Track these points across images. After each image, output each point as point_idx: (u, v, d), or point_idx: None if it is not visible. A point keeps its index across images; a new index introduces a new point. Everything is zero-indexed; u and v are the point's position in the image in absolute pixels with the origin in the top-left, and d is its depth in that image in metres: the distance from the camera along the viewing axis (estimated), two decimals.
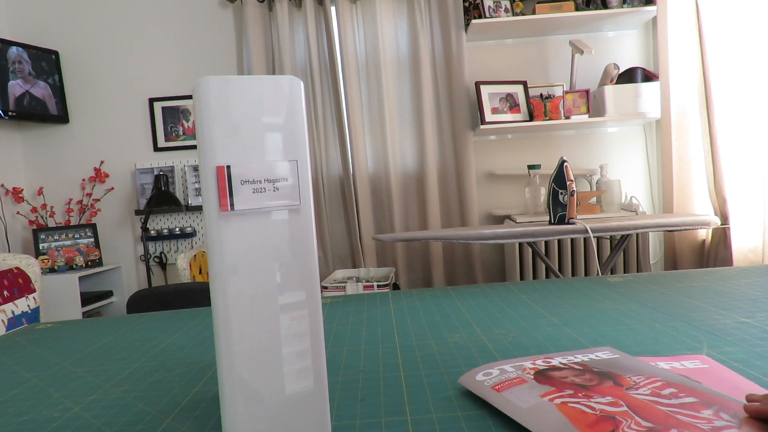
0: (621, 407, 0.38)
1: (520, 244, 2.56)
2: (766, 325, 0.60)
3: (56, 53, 2.75)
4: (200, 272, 2.24)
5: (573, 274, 2.57)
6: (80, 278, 2.50)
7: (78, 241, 2.71)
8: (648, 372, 0.44)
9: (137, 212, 2.77)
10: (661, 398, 0.39)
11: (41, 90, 2.67)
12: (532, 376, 0.45)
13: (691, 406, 0.38)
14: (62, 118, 2.76)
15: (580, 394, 0.41)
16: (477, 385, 0.46)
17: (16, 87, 2.55)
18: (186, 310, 0.90)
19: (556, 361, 0.49)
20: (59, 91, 2.76)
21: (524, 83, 2.62)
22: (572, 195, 1.76)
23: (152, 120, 2.80)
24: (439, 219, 2.71)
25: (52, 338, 0.76)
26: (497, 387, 0.44)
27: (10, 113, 2.52)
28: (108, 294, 2.75)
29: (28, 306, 1.90)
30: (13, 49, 2.54)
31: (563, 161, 1.76)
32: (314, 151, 2.70)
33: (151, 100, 2.80)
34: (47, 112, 2.70)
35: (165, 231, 2.80)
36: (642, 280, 0.89)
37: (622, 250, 1.97)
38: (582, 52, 2.40)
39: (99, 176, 2.79)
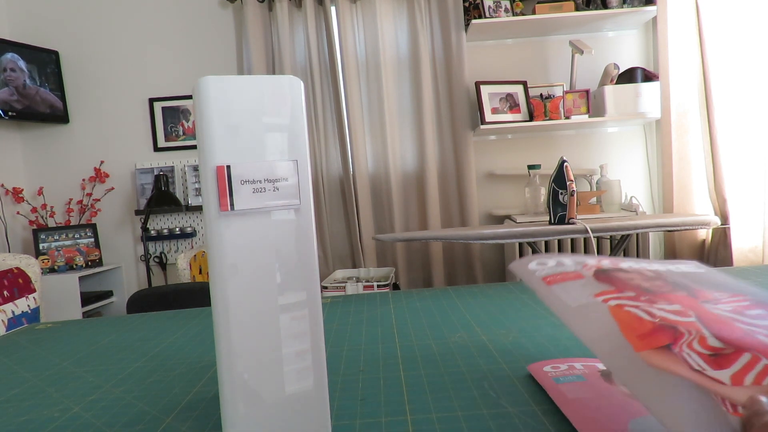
0: (689, 317, 0.31)
1: (520, 244, 2.56)
2: None
3: (56, 53, 2.75)
4: (200, 272, 2.24)
5: None
6: (80, 278, 2.50)
7: (78, 241, 2.71)
8: (736, 289, 0.36)
9: (137, 212, 2.77)
10: (744, 316, 0.32)
11: (39, 101, 2.66)
12: (592, 273, 0.38)
13: None
14: (62, 118, 2.76)
15: (642, 298, 0.33)
16: (527, 274, 0.40)
17: (8, 98, 2.54)
18: (186, 310, 0.89)
19: (626, 265, 0.40)
20: (59, 91, 2.76)
21: (524, 83, 2.62)
22: (572, 195, 1.76)
23: (152, 120, 2.80)
24: (439, 219, 2.71)
25: (52, 338, 0.76)
26: (548, 279, 0.38)
27: (10, 113, 2.52)
28: (108, 294, 2.75)
29: (28, 306, 1.90)
30: (8, 55, 2.52)
31: (563, 161, 1.76)
32: (314, 151, 2.70)
33: (151, 100, 2.80)
34: (47, 112, 2.70)
35: (165, 231, 2.80)
36: None
37: (622, 250, 1.97)
38: (582, 52, 2.40)
39: (99, 176, 2.79)
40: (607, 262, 0.40)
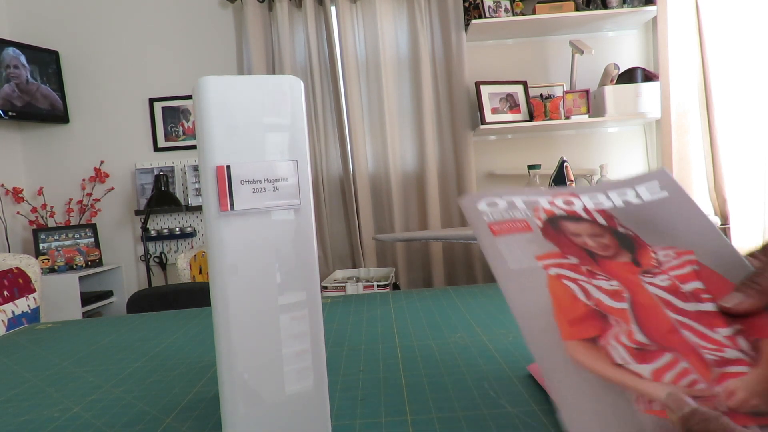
0: (622, 302, 0.32)
1: None
2: None
3: (56, 53, 2.75)
4: (200, 272, 2.24)
5: None
6: (80, 278, 2.50)
7: (78, 241, 2.71)
8: (687, 241, 0.35)
9: (137, 212, 2.77)
10: (677, 297, 0.32)
11: (40, 97, 2.66)
12: (541, 224, 0.37)
13: (709, 318, 0.31)
14: (62, 118, 2.76)
15: (583, 268, 0.34)
16: (475, 216, 0.37)
17: (10, 94, 2.54)
18: (186, 310, 0.90)
19: (579, 205, 0.38)
20: (59, 91, 2.76)
21: (524, 83, 2.62)
22: None
23: (152, 120, 2.80)
24: (439, 219, 2.71)
25: (52, 338, 0.76)
26: (495, 227, 0.36)
27: (10, 113, 2.52)
28: (108, 294, 2.75)
29: (28, 306, 1.90)
30: (9, 51, 2.54)
31: (563, 161, 1.76)
32: (314, 151, 2.70)
33: (151, 100, 2.80)
34: (47, 112, 2.70)
35: (165, 231, 2.80)
36: None
37: None
38: (582, 52, 2.40)
39: (99, 176, 2.79)
40: (560, 201, 0.38)
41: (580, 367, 0.29)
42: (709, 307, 0.32)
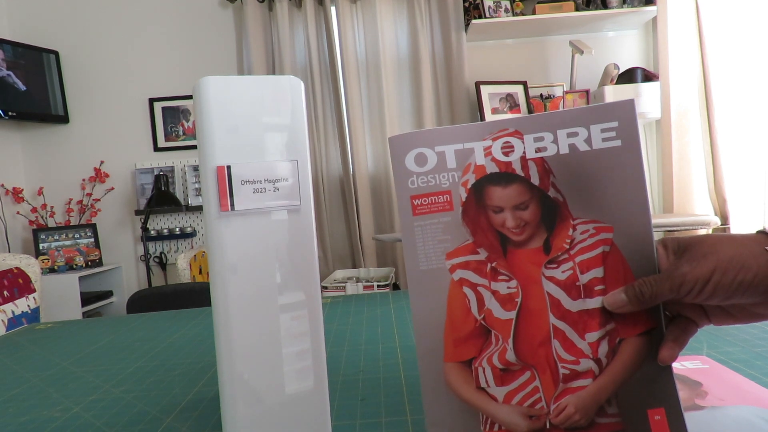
0: (511, 311, 0.34)
1: None
2: (766, 325, 0.60)
3: (56, 53, 2.75)
4: (200, 272, 2.24)
5: None
6: (80, 278, 2.50)
7: (78, 241, 2.70)
8: (613, 213, 0.34)
9: (137, 212, 2.77)
10: (570, 294, 0.33)
11: (40, 97, 2.66)
12: (465, 196, 0.35)
13: (587, 320, 0.33)
14: (62, 118, 2.76)
15: (490, 265, 0.34)
16: (400, 178, 0.35)
17: (9, 94, 2.54)
18: (186, 310, 0.90)
19: (518, 151, 0.34)
20: (59, 91, 2.76)
21: (524, 83, 2.62)
22: None
23: (152, 120, 2.80)
24: None
25: (52, 338, 0.76)
26: (417, 201, 0.35)
27: (10, 113, 2.52)
28: (108, 294, 2.75)
29: (28, 306, 1.90)
30: (9, 51, 2.54)
31: None
32: (314, 151, 2.70)
33: (151, 100, 2.80)
34: (47, 112, 2.70)
35: (165, 231, 2.80)
36: None
37: None
38: (582, 52, 2.40)
39: (99, 176, 2.79)
40: (499, 147, 0.35)
41: (449, 389, 0.34)
42: (594, 303, 0.33)
